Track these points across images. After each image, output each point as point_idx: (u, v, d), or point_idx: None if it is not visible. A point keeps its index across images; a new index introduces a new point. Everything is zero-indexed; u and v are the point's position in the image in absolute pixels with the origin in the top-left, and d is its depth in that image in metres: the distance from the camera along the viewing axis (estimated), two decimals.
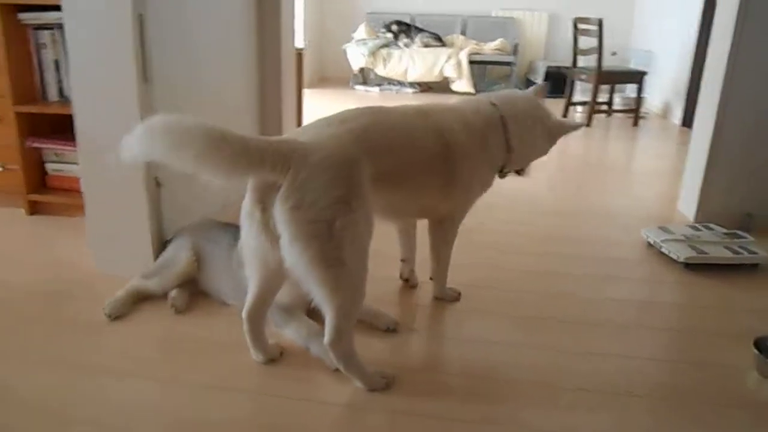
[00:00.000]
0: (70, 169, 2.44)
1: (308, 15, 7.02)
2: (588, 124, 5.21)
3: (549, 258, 2.30)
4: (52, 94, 2.43)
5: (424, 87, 7.05)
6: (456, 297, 1.90)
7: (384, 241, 1.88)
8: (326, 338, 1.37)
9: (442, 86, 7.02)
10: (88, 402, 1.37)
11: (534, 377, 1.52)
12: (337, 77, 7.40)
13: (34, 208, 2.51)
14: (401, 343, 1.66)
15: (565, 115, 5.63)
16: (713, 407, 1.43)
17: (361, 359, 1.43)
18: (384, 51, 6.91)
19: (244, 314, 1.50)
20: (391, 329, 1.69)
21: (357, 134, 1.40)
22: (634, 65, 6.46)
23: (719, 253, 2.18)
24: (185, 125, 1.19)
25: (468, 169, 1.65)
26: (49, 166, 2.51)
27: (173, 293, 1.79)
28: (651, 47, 6.41)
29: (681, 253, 2.17)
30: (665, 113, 5.90)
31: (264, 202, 1.30)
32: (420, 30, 7.17)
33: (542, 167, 3.82)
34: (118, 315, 1.73)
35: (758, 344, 1.58)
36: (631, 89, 6.00)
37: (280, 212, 1.26)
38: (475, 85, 6.86)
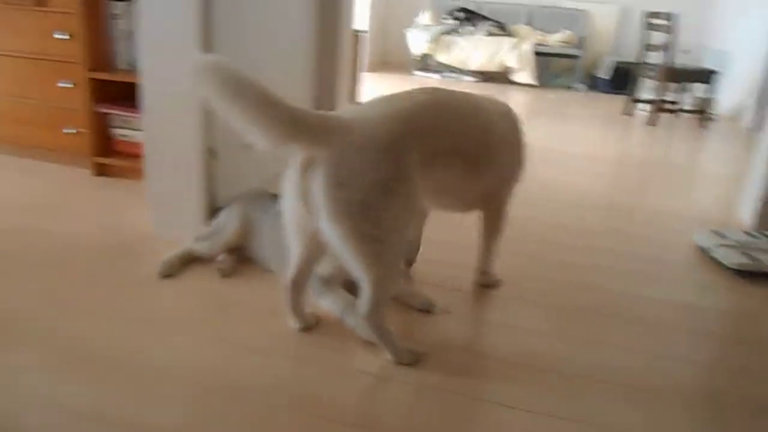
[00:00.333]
0: (135, 135, 2.57)
1: None
2: (652, 123, 5.04)
3: (593, 252, 2.27)
4: (122, 62, 2.56)
5: (485, 76, 6.98)
6: (496, 284, 1.91)
7: (428, 225, 1.92)
8: (361, 309, 1.42)
9: (503, 76, 6.93)
10: (135, 351, 1.46)
11: (563, 367, 1.52)
12: (399, 62, 7.42)
13: (100, 170, 2.66)
14: (435, 323, 1.69)
15: (628, 113, 5.47)
16: (745, 414, 1.40)
17: (394, 334, 1.47)
18: (446, 38, 6.88)
19: (285, 281, 1.56)
20: (425, 309, 1.72)
21: (408, 115, 1.40)
22: (707, 65, 6.19)
23: None
24: (241, 77, 1.23)
25: (507, 161, 1.69)
26: (116, 131, 2.66)
27: (221, 257, 1.88)
28: (727, 47, 6.12)
29: (732, 259, 2.10)
30: (736, 116, 5.64)
31: (307, 174, 1.33)
32: (485, 18, 7.09)
33: (601, 162, 3.75)
34: (169, 274, 1.83)
35: None
36: (701, 89, 5.76)
37: (318, 187, 1.29)
38: (537, 77, 6.74)
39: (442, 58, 6.92)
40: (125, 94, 2.49)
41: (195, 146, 1.97)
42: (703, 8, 6.74)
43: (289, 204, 1.42)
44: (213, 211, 2.06)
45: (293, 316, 1.59)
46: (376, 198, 1.29)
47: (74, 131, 2.64)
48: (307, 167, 1.33)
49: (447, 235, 2.02)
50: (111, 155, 2.65)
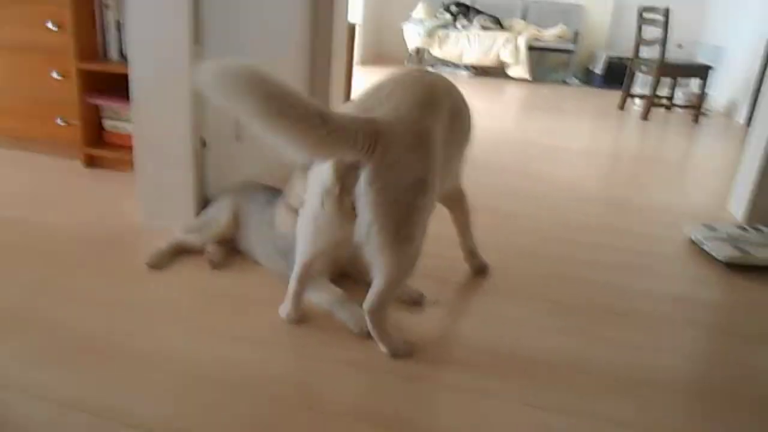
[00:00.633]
0: (126, 127, 2.56)
1: None
2: (645, 117, 5.05)
3: (585, 245, 2.27)
4: (113, 53, 2.54)
5: (480, 70, 6.98)
6: (487, 266, 1.94)
7: None
8: (367, 304, 1.41)
9: (497, 71, 6.92)
10: (124, 342, 1.46)
11: (555, 360, 1.52)
12: (393, 56, 7.40)
13: (91, 161, 2.65)
14: (425, 315, 1.69)
15: (622, 108, 5.48)
16: (738, 406, 1.40)
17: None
18: (441, 32, 6.86)
19: (295, 275, 1.52)
20: (415, 301, 1.72)
21: (428, 101, 1.37)
22: (701, 60, 6.20)
23: (764, 255, 2.10)
24: (277, 91, 1.16)
25: (467, 133, 1.67)
26: (107, 123, 2.64)
27: (210, 248, 1.87)
28: (721, 42, 6.14)
29: (723, 252, 2.11)
30: (730, 112, 5.66)
31: (344, 180, 1.29)
32: (479, 12, 7.08)
33: (595, 157, 3.76)
34: (158, 265, 1.82)
35: None
36: (695, 84, 5.77)
37: (366, 193, 1.26)
38: (531, 72, 6.74)
39: (436, 52, 6.91)
40: (116, 85, 2.47)
41: (185, 137, 1.95)
42: (697, 3, 6.75)
43: (318, 207, 1.36)
44: (204, 202, 2.05)
45: (291, 306, 1.56)
46: (416, 197, 1.30)
47: (65, 123, 2.62)
48: (346, 172, 1.29)
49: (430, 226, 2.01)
50: (102, 146, 2.64)
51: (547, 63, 7.19)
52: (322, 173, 1.33)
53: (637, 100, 5.67)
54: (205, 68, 1.16)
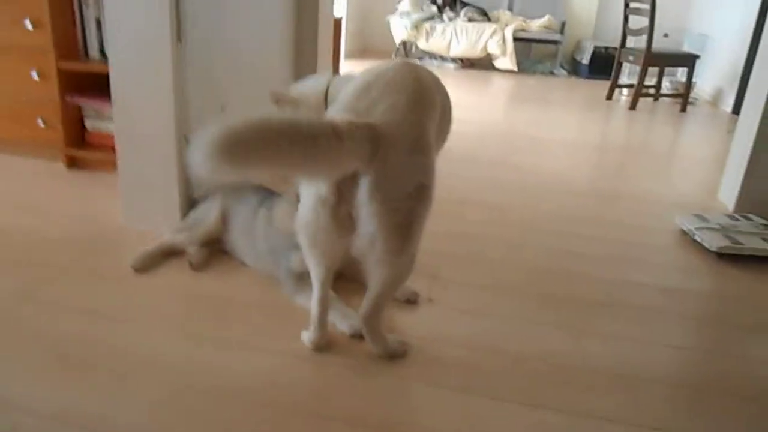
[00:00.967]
0: (108, 127, 2.50)
1: None
2: (633, 107, 5.05)
3: (575, 238, 2.25)
4: (94, 52, 2.48)
5: (467, 63, 6.95)
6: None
7: None
8: (364, 310, 1.37)
9: (484, 63, 6.90)
10: (110, 349, 1.42)
11: (546, 356, 1.50)
12: (380, 49, 7.35)
13: (73, 163, 2.59)
14: (419, 314, 1.66)
15: (609, 98, 5.48)
16: (731, 399, 1.40)
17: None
18: (427, 24, 6.82)
19: (316, 298, 1.42)
20: (408, 300, 1.69)
21: (419, 102, 1.30)
22: (687, 48, 6.21)
23: (755, 244, 2.10)
24: (263, 131, 1.06)
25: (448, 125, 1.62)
26: (88, 123, 2.58)
27: (191, 249, 1.83)
28: (706, 31, 6.15)
29: (714, 242, 2.10)
30: (716, 100, 5.67)
31: (342, 189, 1.21)
32: (465, 4, 7.05)
33: (583, 148, 3.75)
34: (143, 268, 1.78)
35: None
36: (681, 73, 5.79)
37: (368, 204, 1.20)
38: (518, 64, 6.73)
39: (423, 44, 6.87)
40: (98, 85, 2.42)
41: (169, 136, 1.91)
42: None
43: (314, 218, 1.27)
44: (190, 202, 2.01)
45: (317, 332, 1.45)
46: (418, 204, 1.25)
47: (46, 124, 2.56)
48: (343, 181, 1.21)
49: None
50: (84, 147, 2.58)
51: (534, 54, 7.18)
52: (315, 183, 1.26)
53: (625, 90, 5.67)
54: (195, 150, 1.03)
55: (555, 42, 6.88)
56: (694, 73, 5.13)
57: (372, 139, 1.17)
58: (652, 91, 5.37)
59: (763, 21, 4.84)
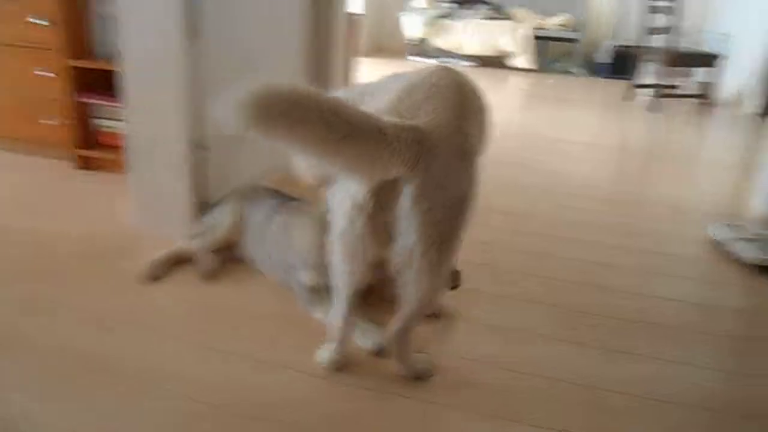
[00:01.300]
0: (119, 126, 2.43)
1: None
2: (655, 108, 4.92)
3: (600, 247, 2.16)
4: (104, 49, 2.41)
5: (482, 61, 6.83)
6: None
7: None
8: (396, 327, 1.29)
9: (500, 61, 6.78)
10: (123, 362, 1.35)
11: (578, 378, 1.41)
12: (394, 47, 7.24)
13: (83, 163, 2.52)
14: (445, 330, 1.58)
15: (629, 98, 5.35)
16: (749, 419, 1.30)
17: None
18: (442, 21, 6.72)
19: (341, 314, 1.33)
20: (435, 314, 1.60)
21: (463, 108, 1.23)
22: (707, 48, 6.06)
23: None
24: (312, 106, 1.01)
25: None
26: (99, 122, 2.51)
27: (201, 257, 1.75)
28: (728, 30, 5.99)
29: (751, 254, 2.00)
30: (740, 101, 5.53)
31: (380, 196, 1.12)
32: (481, 1, 6.93)
33: (603, 150, 3.64)
34: (155, 276, 1.71)
35: None
36: (702, 74, 5.64)
37: (412, 215, 1.11)
38: (535, 62, 6.61)
39: (437, 42, 6.77)
40: (108, 83, 2.34)
41: (180, 138, 1.83)
42: None
43: (350, 226, 1.17)
44: (203, 207, 1.93)
45: (338, 352, 1.36)
46: (460, 215, 1.18)
47: (55, 122, 2.49)
48: (382, 187, 1.12)
49: None
50: (94, 147, 2.51)
51: (551, 52, 7.04)
52: (350, 188, 1.16)
53: (645, 91, 5.54)
54: (229, 102, 0.98)
55: (573, 40, 6.74)
56: (717, 74, 4.99)
57: (418, 143, 1.08)
58: (673, 91, 5.24)
59: None
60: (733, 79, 5.58)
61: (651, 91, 5.10)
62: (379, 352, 1.40)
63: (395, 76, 1.40)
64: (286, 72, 2.58)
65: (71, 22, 2.34)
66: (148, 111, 1.85)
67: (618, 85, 5.99)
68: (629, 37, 6.58)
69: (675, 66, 4.92)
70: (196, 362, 1.37)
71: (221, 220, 1.81)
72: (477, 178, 1.22)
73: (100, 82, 2.41)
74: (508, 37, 6.51)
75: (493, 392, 1.34)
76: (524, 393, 1.35)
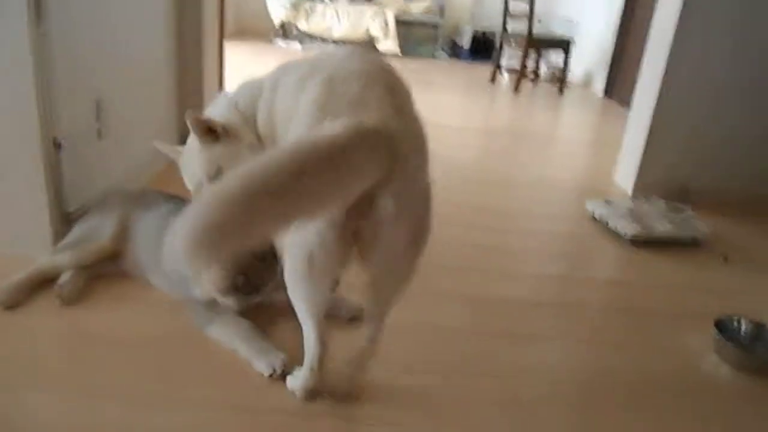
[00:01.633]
0: None
1: None
2: (516, 90, 5.17)
3: (485, 231, 2.18)
4: None
5: (349, 45, 6.76)
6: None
7: None
8: (374, 333, 1.20)
9: (367, 46, 6.75)
10: None
11: (472, 365, 1.40)
12: (259, 29, 6.93)
13: None
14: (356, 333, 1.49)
15: (492, 81, 5.57)
16: (669, 394, 1.37)
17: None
18: (307, 4, 6.54)
19: (315, 339, 1.18)
20: (353, 317, 1.50)
21: (404, 95, 1.15)
22: (559, 34, 6.48)
23: (665, 228, 2.15)
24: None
25: None
26: None
27: (62, 278, 1.50)
28: (574, 15, 6.45)
29: (628, 229, 2.13)
30: (587, 83, 5.98)
31: (354, 208, 0.98)
32: None
33: (471, 133, 3.74)
34: (12, 303, 1.43)
35: (719, 326, 1.55)
36: (555, 57, 6.03)
37: (394, 218, 0.99)
38: (400, 46, 6.67)
39: (303, 26, 6.58)
40: None
41: (32, 137, 1.54)
42: None
43: (323, 242, 1.02)
44: (63, 217, 1.67)
45: (314, 379, 1.21)
46: (429, 205, 1.10)
47: None
48: (361, 202, 0.97)
49: None
50: None
51: (415, 37, 7.14)
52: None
53: (506, 74, 5.80)
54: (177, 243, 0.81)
55: (435, 25, 6.89)
56: (570, 57, 5.35)
57: (389, 144, 0.95)
58: (532, 74, 5.54)
59: (630, 4, 5.14)
60: (581, 63, 6.03)
61: (514, 74, 5.35)
62: (274, 375, 1.26)
63: (287, 69, 1.27)
64: (152, 58, 2.32)
65: None
66: None
67: (479, 69, 6.23)
68: (487, 22, 6.87)
69: (534, 49, 5.19)
70: (76, 410, 1.15)
71: (100, 228, 1.57)
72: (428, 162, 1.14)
73: None
74: (374, 22, 6.49)
75: (407, 404, 1.29)
76: (427, 394, 1.31)
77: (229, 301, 1.38)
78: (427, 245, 1.12)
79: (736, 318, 1.59)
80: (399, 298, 1.17)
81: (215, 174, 1.34)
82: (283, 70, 1.30)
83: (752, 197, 2.65)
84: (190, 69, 2.54)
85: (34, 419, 1.12)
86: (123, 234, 1.58)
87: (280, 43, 6.62)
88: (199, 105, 2.59)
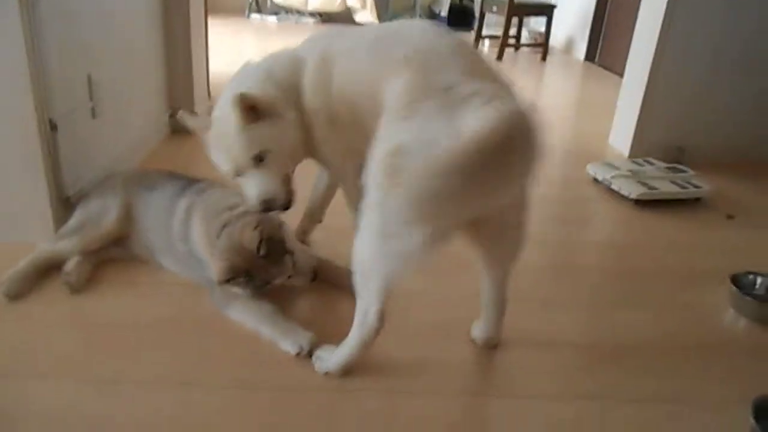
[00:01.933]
0: None
1: None
2: (499, 58, 5.13)
3: None
4: None
5: (326, 17, 6.62)
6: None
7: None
8: (501, 301, 1.27)
9: (344, 17, 6.62)
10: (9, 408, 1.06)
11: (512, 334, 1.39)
12: (231, 5, 6.73)
13: None
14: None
15: (475, 48, 5.51)
16: (689, 351, 1.38)
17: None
18: None
19: (383, 313, 1.12)
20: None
21: (484, 59, 1.24)
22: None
23: (667, 188, 2.16)
24: None
25: None
26: None
27: (68, 265, 1.44)
28: None
29: (632, 189, 2.13)
30: (568, 48, 5.96)
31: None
32: None
33: None
34: (19, 293, 1.38)
35: (735, 281, 1.56)
36: (536, 24, 5.98)
37: (523, 200, 1.15)
38: (378, 17, 6.54)
39: None
40: None
41: (27, 117, 1.47)
42: None
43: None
44: (61, 201, 1.60)
45: (359, 353, 1.18)
46: None
47: None
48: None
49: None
50: None
51: (393, 6, 7.02)
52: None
53: (487, 41, 5.75)
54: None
55: None
56: (551, 23, 5.30)
57: (530, 127, 0.93)
58: (513, 41, 5.48)
59: None
60: (562, 28, 5.99)
61: (493, 41, 5.30)
62: (302, 355, 1.24)
63: (334, 41, 1.28)
64: (141, 36, 2.23)
65: None
66: None
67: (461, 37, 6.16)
68: None
69: (516, 16, 5.13)
70: (91, 398, 1.12)
71: (102, 213, 1.51)
72: None
73: None
74: None
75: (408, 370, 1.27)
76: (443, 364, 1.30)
77: (237, 290, 1.34)
78: None
79: (751, 273, 1.60)
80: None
81: (259, 156, 1.27)
82: (326, 42, 1.28)
83: (748, 159, 2.67)
84: (179, 46, 2.45)
85: (48, 407, 1.09)
86: (127, 217, 1.52)
87: (255, 16, 6.46)
88: (189, 82, 2.51)
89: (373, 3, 6.42)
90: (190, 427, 1.06)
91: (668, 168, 2.33)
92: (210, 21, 2.72)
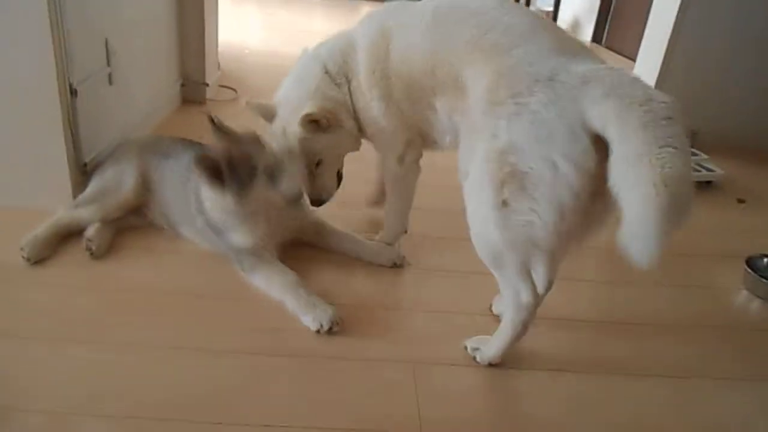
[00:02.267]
0: None
1: None
2: None
3: None
4: None
5: None
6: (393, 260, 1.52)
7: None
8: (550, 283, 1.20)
9: None
10: (11, 379, 1.07)
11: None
12: None
13: None
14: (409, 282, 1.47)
15: None
16: (701, 329, 1.41)
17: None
18: None
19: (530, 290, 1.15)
20: (398, 264, 1.50)
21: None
22: None
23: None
24: None
25: None
26: None
27: (90, 232, 1.44)
28: None
29: None
30: (575, 30, 5.91)
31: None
32: None
33: None
34: (39, 258, 1.38)
35: (750, 263, 1.57)
36: (542, 3, 5.93)
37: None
38: None
39: None
40: None
41: (49, 84, 1.45)
42: None
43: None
44: (79, 168, 1.59)
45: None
46: None
47: None
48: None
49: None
50: None
51: None
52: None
53: None
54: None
55: None
56: (558, 2, 5.26)
57: None
58: None
59: None
60: (570, 7, 5.93)
61: None
62: (322, 330, 1.24)
63: (391, 23, 1.30)
64: (155, 3, 2.20)
65: None
66: (3, 51, 1.43)
67: None
68: None
69: None
70: (110, 362, 1.13)
71: (119, 180, 1.51)
72: None
73: None
74: None
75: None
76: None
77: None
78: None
79: (765, 256, 1.62)
80: None
81: (315, 163, 1.40)
82: (383, 17, 1.30)
83: (761, 145, 2.67)
84: (192, 16, 2.42)
85: (68, 369, 1.10)
86: (144, 185, 1.52)
87: None
88: (200, 52, 2.48)
89: None
90: (206, 391, 1.07)
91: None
92: None
